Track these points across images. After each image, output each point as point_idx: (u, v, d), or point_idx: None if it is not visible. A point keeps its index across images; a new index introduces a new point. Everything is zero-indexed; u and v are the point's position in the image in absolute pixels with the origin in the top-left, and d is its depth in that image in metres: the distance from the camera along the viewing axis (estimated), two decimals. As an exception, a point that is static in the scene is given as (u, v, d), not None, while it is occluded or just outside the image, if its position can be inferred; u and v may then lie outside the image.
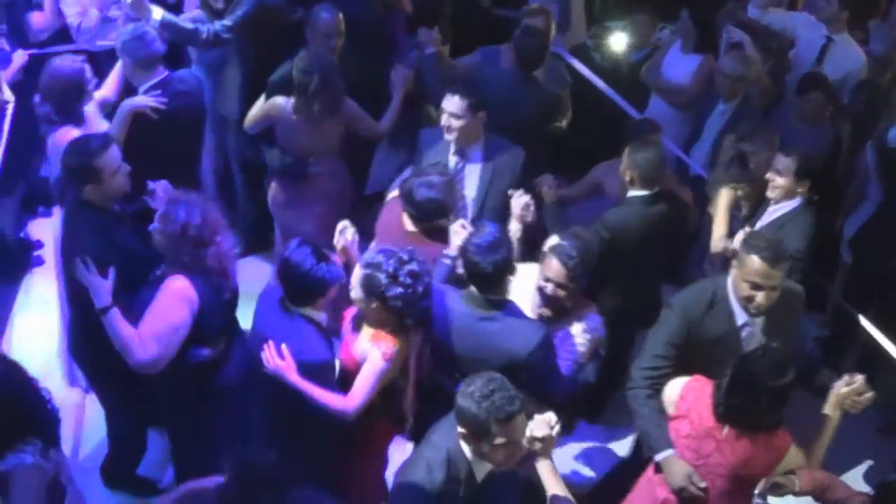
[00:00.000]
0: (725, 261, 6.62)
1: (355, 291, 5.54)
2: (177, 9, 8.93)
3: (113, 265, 5.78)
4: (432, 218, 6.43)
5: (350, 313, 5.92)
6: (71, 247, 6.13)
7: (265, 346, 5.61)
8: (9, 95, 8.29)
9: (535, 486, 4.88)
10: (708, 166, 8.26)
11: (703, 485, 5.40)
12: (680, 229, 7.21)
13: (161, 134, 7.26)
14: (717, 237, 7.05)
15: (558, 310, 5.95)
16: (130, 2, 7.73)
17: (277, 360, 5.55)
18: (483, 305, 5.59)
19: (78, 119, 7.09)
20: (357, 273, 5.56)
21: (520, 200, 6.47)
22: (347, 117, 7.75)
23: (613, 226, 6.80)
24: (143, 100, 7.28)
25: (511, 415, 4.57)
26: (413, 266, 5.44)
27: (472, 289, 5.65)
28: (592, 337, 6.04)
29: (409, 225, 6.51)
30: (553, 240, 5.97)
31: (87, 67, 7.21)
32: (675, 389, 5.53)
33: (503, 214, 6.70)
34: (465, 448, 4.73)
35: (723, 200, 7.17)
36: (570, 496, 4.97)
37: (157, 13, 7.81)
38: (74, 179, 6.16)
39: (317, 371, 5.58)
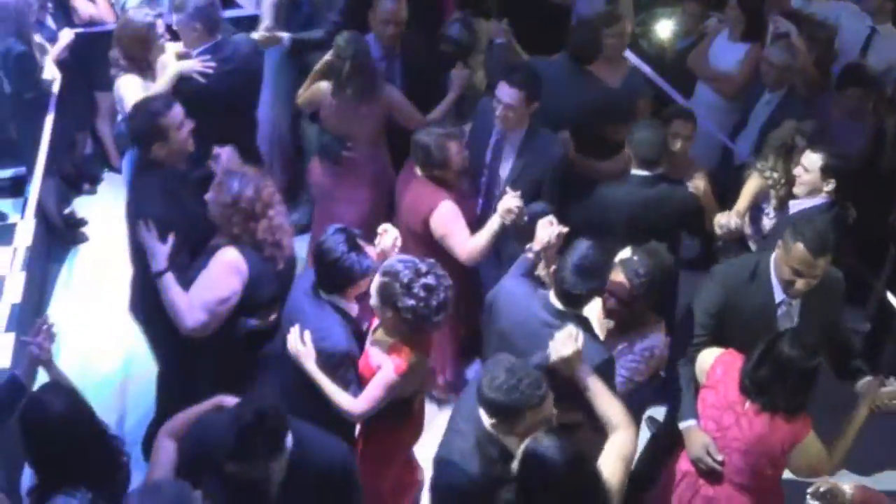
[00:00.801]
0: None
1: (373, 299, 5.47)
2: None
3: (177, 227, 5.89)
4: (426, 163, 6.86)
5: (376, 319, 5.82)
6: (137, 207, 6.15)
7: (290, 329, 5.62)
8: (55, 73, 8.36)
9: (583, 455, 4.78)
10: (753, 155, 8.19)
11: (719, 458, 5.41)
12: (685, 219, 7.07)
13: (209, 98, 7.22)
14: (730, 213, 6.90)
15: (621, 324, 5.93)
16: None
17: (299, 344, 5.55)
18: (556, 315, 5.42)
19: (142, 68, 7.19)
20: (376, 280, 5.47)
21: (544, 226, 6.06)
22: (387, 104, 7.70)
23: (599, 197, 6.99)
24: (191, 64, 7.27)
25: (542, 398, 4.59)
26: (429, 279, 5.30)
27: (552, 296, 5.49)
28: (651, 355, 5.95)
29: (417, 170, 6.94)
30: (625, 252, 5.91)
31: (160, 22, 7.29)
32: (708, 360, 5.57)
33: (532, 201, 6.73)
34: (494, 430, 4.72)
35: (750, 185, 7.10)
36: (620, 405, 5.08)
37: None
38: (142, 140, 6.20)
39: (334, 360, 5.54)
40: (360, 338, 5.74)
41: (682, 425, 5.62)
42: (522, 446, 4.45)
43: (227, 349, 5.98)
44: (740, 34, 8.97)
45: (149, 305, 6.24)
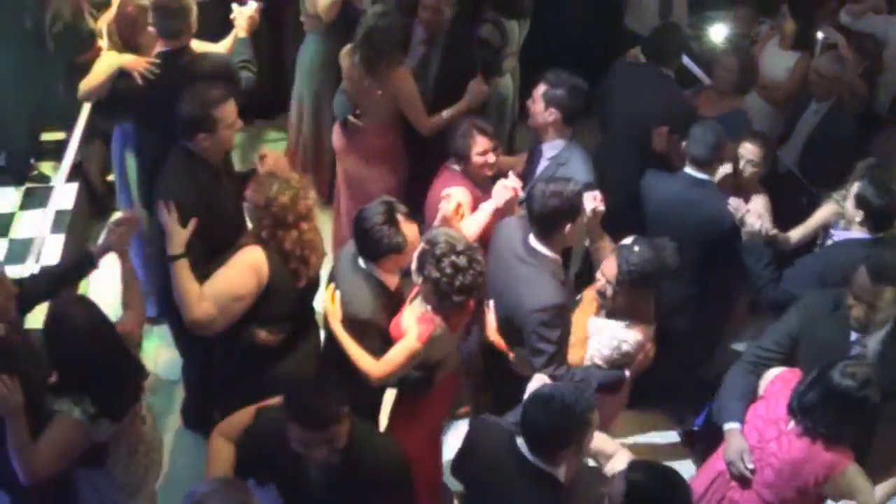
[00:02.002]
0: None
1: (413, 263, 5.53)
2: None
3: (200, 217, 5.85)
4: (451, 150, 6.83)
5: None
6: (165, 188, 6.10)
7: (328, 288, 5.75)
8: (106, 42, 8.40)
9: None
10: (797, 164, 8.15)
11: (751, 466, 5.40)
12: (713, 236, 6.77)
13: (140, 102, 7.08)
14: (790, 232, 6.89)
15: (608, 307, 5.93)
16: None
17: (329, 303, 5.67)
18: (530, 252, 5.81)
19: (132, 51, 7.13)
20: (420, 245, 5.54)
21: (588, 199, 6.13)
22: (395, 89, 7.62)
23: (645, 180, 7.07)
24: (136, 62, 7.01)
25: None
26: (461, 259, 5.30)
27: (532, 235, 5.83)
28: (619, 348, 5.91)
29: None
30: (628, 239, 5.90)
31: None
32: (773, 373, 5.57)
33: None
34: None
35: (823, 210, 7.00)
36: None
37: None
38: (188, 126, 6.11)
39: (356, 325, 5.61)
40: (397, 309, 5.76)
41: (726, 426, 5.62)
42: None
43: (229, 357, 6.01)
44: (790, 43, 8.93)
45: (167, 287, 6.07)
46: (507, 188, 6.37)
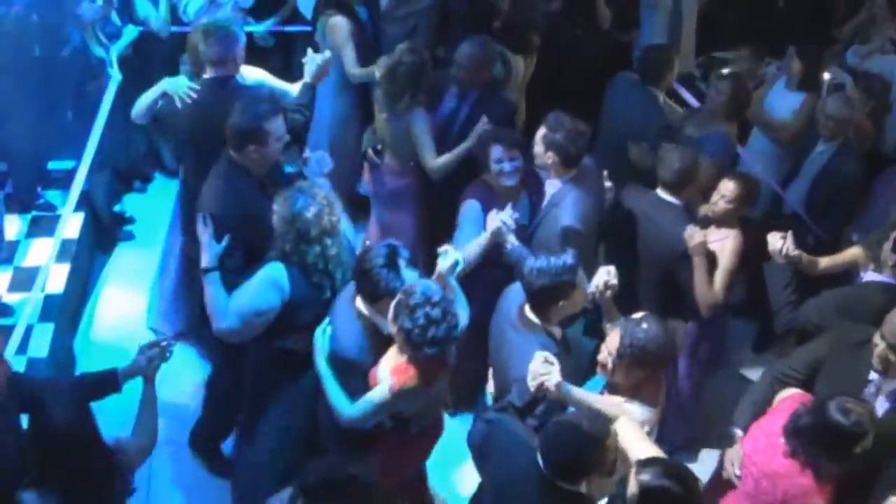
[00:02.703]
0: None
1: (390, 311, 5.44)
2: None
3: (237, 231, 5.99)
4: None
5: None
6: (204, 201, 6.21)
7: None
8: (116, 71, 8.45)
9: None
10: (804, 204, 8.16)
11: (738, 473, 5.46)
12: (672, 260, 6.79)
13: (175, 125, 7.28)
14: (787, 240, 6.70)
15: (609, 381, 5.69)
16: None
17: (318, 339, 5.66)
18: (523, 322, 5.75)
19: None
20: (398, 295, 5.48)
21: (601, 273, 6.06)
22: (408, 128, 7.65)
23: (624, 196, 7.07)
24: (180, 85, 7.12)
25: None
26: (435, 311, 5.21)
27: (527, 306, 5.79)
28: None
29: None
30: (639, 314, 5.63)
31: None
32: (786, 392, 5.59)
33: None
34: None
35: (850, 252, 6.97)
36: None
37: None
38: (241, 137, 6.18)
39: (339, 364, 5.61)
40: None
41: (731, 430, 5.72)
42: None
43: (259, 365, 6.12)
44: (797, 83, 8.94)
45: (196, 297, 6.35)
46: (495, 219, 6.45)
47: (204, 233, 5.94)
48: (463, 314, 5.81)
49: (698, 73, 9.49)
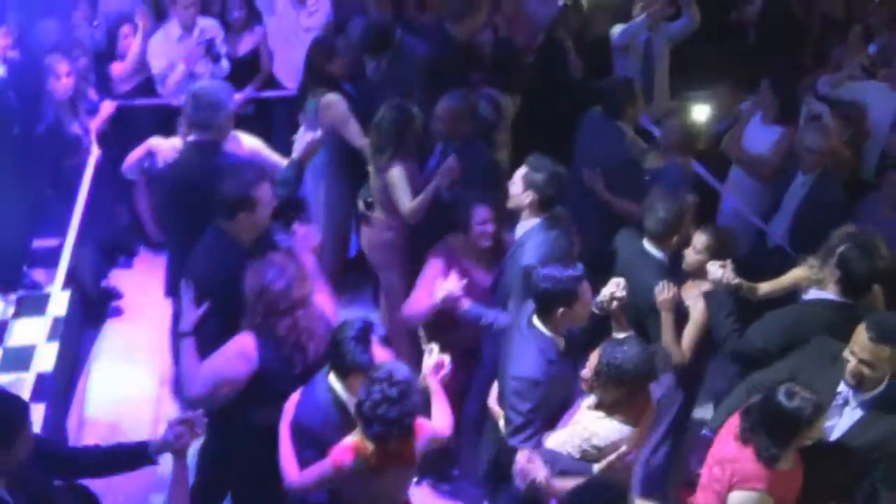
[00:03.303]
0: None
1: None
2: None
3: (218, 298, 6.00)
4: None
5: None
6: (189, 266, 6.26)
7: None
8: (94, 146, 8.48)
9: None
10: (787, 236, 8.18)
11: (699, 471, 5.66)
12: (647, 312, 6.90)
13: (154, 182, 7.53)
14: (760, 284, 6.81)
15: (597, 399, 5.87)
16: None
17: (289, 402, 5.70)
18: (529, 324, 5.96)
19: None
20: None
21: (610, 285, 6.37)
22: (388, 175, 7.73)
23: (619, 238, 7.24)
24: (164, 146, 7.27)
25: None
26: (391, 391, 5.12)
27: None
28: (588, 437, 5.67)
29: None
30: (624, 334, 5.96)
31: None
32: None
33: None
34: None
35: (795, 272, 6.93)
36: None
37: None
38: (230, 206, 6.22)
39: (298, 433, 5.59)
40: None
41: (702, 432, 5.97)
42: None
43: (231, 436, 6.07)
44: (773, 117, 9.00)
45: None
46: (442, 288, 6.61)
47: (185, 297, 5.98)
48: (442, 418, 5.80)
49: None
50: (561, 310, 5.78)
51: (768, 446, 5.21)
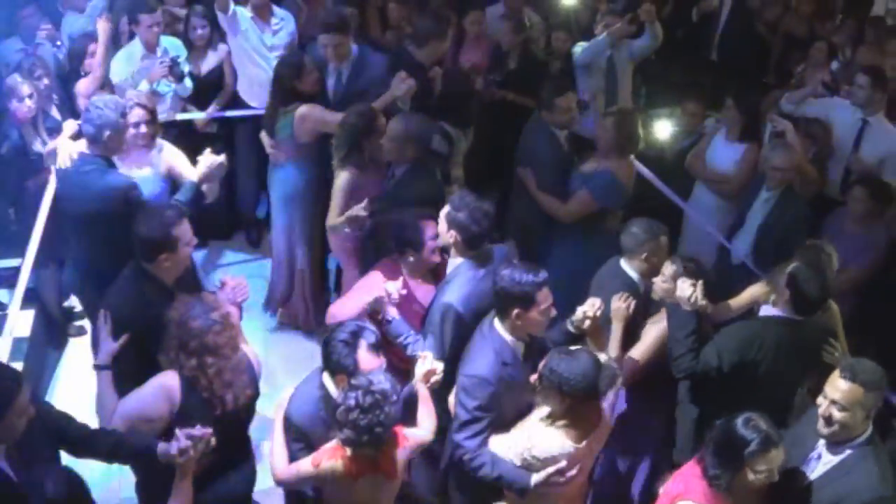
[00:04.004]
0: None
1: None
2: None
3: (137, 334, 5.90)
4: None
5: None
6: (108, 298, 6.17)
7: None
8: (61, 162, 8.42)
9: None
10: (751, 253, 8.22)
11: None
12: None
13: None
14: (719, 305, 6.92)
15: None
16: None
17: (283, 398, 5.78)
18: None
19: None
20: None
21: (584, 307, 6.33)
22: (335, 182, 7.92)
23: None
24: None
25: None
26: (366, 399, 5.16)
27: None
28: (528, 447, 5.73)
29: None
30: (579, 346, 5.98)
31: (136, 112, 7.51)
32: None
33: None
34: None
35: (753, 289, 7.04)
36: None
37: None
38: (150, 248, 6.13)
39: (288, 427, 5.65)
40: None
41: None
42: None
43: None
44: (737, 134, 9.06)
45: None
46: (380, 287, 6.56)
47: (101, 329, 5.88)
48: (427, 424, 5.84)
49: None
50: (516, 311, 5.79)
51: (713, 466, 5.25)
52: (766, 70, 11.91)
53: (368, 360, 5.58)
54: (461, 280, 6.47)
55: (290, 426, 5.65)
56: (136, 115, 7.57)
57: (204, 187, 7.30)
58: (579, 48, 10.27)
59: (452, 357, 6.19)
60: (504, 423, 5.91)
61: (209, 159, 7.32)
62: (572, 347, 5.76)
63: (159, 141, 7.89)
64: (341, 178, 7.78)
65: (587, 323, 6.22)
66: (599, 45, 10.09)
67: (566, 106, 8.47)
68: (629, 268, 6.88)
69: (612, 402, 6.03)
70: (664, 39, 10.24)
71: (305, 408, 5.63)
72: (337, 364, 5.53)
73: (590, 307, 6.23)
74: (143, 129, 7.63)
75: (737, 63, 11.68)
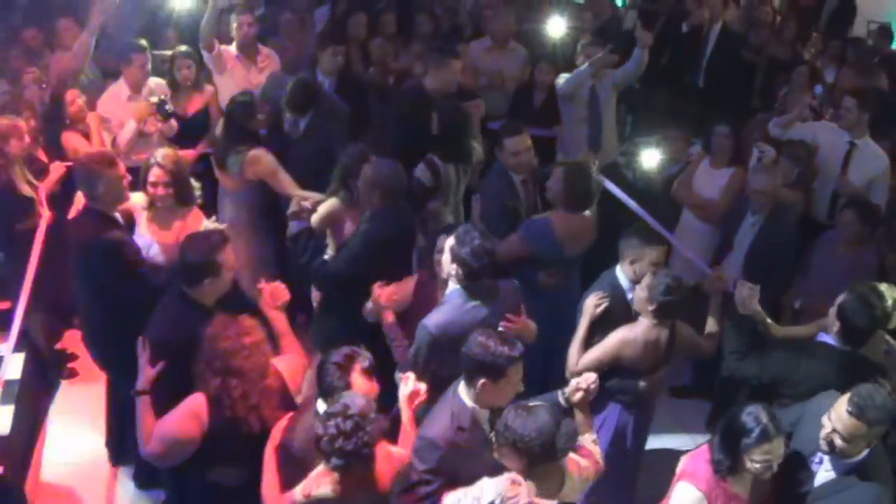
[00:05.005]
0: None
1: None
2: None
3: (175, 359, 5.94)
4: None
5: None
6: (148, 326, 6.22)
7: None
8: (45, 209, 8.43)
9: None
10: (740, 277, 8.20)
11: None
12: None
13: None
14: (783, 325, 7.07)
15: None
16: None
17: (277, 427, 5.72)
18: None
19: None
20: None
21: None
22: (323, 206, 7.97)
23: None
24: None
25: None
26: (346, 423, 5.10)
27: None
28: (478, 494, 5.27)
29: None
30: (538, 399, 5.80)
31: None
32: None
33: None
34: None
35: (813, 326, 7.03)
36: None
37: None
38: (195, 272, 6.23)
39: (284, 454, 5.62)
40: None
41: None
42: None
43: (199, 491, 6.03)
44: (723, 160, 9.13)
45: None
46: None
47: (141, 355, 5.97)
48: (409, 447, 5.77)
49: (622, 160, 9.38)
50: (482, 381, 5.52)
51: (717, 451, 5.39)
52: (752, 95, 11.99)
53: (362, 384, 5.58)
54: (447, 306, 6.50)
55: (287, 456, 5.59)
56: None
57: None
58: (562, 79, 10.30)
59: (430, 378, 6.20)
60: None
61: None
62: (531, 403, 5.41)
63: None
64: (329, 203, 7.89)
65: (578, 395, 5.95)
66: (581, 76, 10.12)
67: (512, 149, 8.24)
68: (620, 272, 7.03)
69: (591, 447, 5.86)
70: (647, 65, 10.27)
71: (301, 438, 5.57)
72: (329, 387, 5.53)
73: (584, 380, 5.97)
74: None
75: (724, 89, 11.75)
